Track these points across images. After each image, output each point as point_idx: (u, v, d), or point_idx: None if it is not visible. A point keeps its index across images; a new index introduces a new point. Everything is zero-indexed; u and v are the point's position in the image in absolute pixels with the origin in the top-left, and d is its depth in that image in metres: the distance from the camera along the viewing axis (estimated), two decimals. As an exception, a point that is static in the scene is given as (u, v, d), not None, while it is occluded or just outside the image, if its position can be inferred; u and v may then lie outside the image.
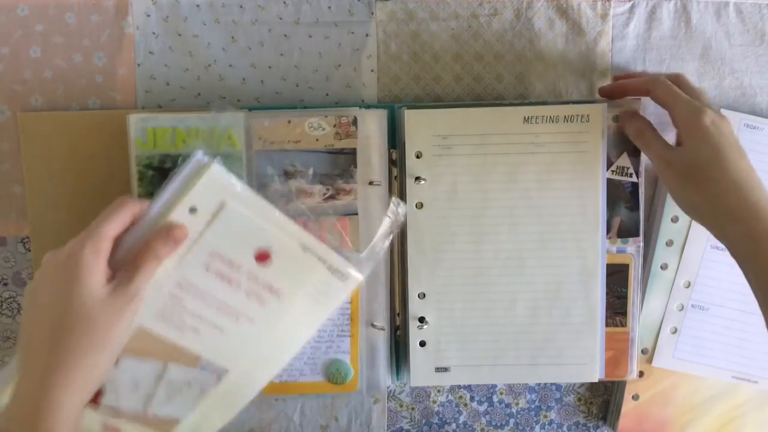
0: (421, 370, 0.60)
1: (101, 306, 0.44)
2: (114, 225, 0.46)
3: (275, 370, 0.56)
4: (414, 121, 0.58)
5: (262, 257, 0.53)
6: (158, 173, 0.57)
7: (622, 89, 0.59)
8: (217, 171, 0.51)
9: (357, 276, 0.55)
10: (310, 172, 0.58)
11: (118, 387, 0.52)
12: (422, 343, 0.60)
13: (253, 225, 0.52)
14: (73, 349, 0.43)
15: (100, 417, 0.53)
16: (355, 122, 0.57)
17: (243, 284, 0.53)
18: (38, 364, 0.43)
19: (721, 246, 0.60)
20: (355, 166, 0.58)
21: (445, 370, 0.60)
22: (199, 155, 0.50)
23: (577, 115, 0.58)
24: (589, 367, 0.60)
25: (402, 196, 0.59)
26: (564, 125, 0.58)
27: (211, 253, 0.52)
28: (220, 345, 0.54)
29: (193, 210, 0.51)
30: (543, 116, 0.58)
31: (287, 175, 0.58)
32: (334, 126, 0.58)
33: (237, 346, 0.54)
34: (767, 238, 0.48)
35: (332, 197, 0.58)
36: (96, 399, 0.52)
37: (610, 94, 0.59)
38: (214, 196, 0.51)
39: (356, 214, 0.58)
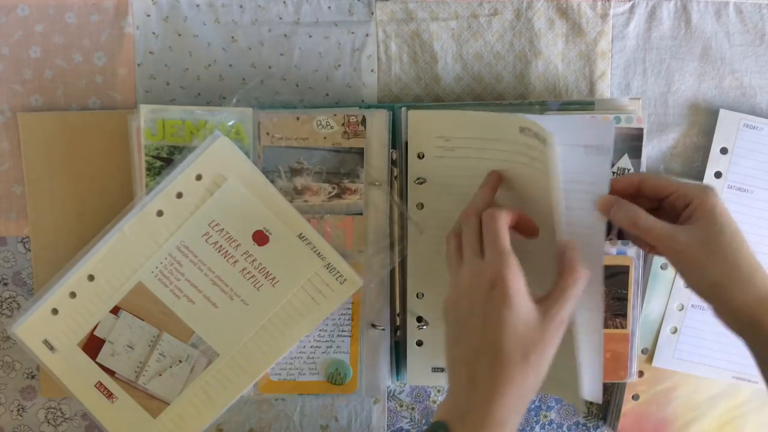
0: (417, 369, 0.60)
1: (537, 332, 0.45)
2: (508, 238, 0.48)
3: (265, 367, 0.57)
4: (417, 121, 0.58)
5: (261, 238, 0.55)
6: (166, 164, 0.57)
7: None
8: (224, 143, 0.55)
9: (356, 279, 0.56)
10: (317, 169, 0.58)
11: (115, 343, 0.55)
12: (419, 343, 0.60)
13: (255, 205, 0.54)
14: (513, 374, 0.44)
15: (95, 372, 0.55)
16: (363, 122, 0.58)
17: (239, 262, 0.55)
18: (481, 382, 0.45)
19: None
20: (362, 166, 0.58)
21: (442, 370, 0.60)
22: (217, 132, 0.55)
23: None
24: (575, 389, 0.54)
25: (402, 197, 0.59)
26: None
27: (211, 223, 0.55)
28: (213, 322, 0.56)
29: (199, 177, 0.55)
30: (536, 134, 0.55)
31: (293, 171, 0.58)
32: (342, 125, 0.58)
33: (229, 329, 0.56)
34: None
35: (337, 196, 0.58)
36: (93, 352, 0.54)
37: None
38: (219, 166, 0.55)
39: (360, 213, 0.59)
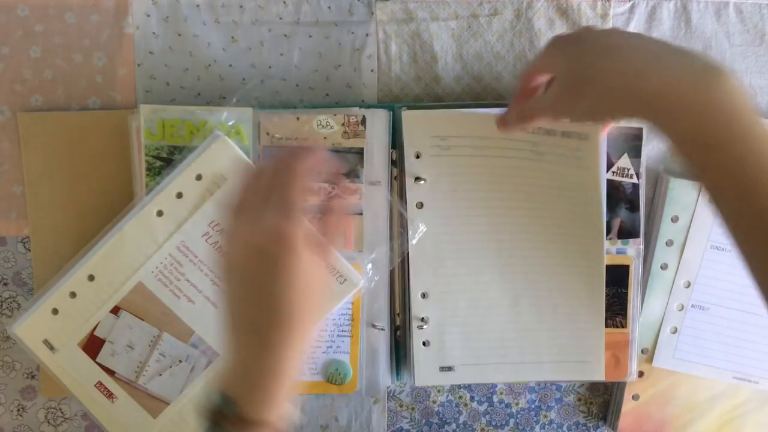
0: (425, 369, 0.60)
1: (320, 279, 0.44)
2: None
3: None
4: (412, 121, 0.58)
5: None
6: (166, 164, 0.57)
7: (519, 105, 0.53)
8: (224, 143, 0.55)
9: (356, 279, 0.56)
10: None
11: (115, 343, 0.55)
12: (426, 343, 0.60)
13: None
14: (298, 324, 0.43)
15: (95, 372, 0.55)
16: (363, 122, 0.58)
17: None
18: (270, 342, 0.42)
19: (722, 246, 0.61)
20: (362, 166, 0.58)
21: (450, 369, 0.60)
22: (217, 132, 0.55)
23: (575, 133, 0.58)
24: (594, 366, 0.60)
25: (402, 196, 0.59)
26: (561, 140, 0.58)
27: (211, 224, 0.55)
28: (213, 322, 0.56)
29: (199, 177, 0.55)
30: (539, 127, 0.57)
31: None
32: (343, 125, 0.58)
33: None
34: (660, 95, 0.41)
35: (337, 196, 0.58)
36: (93, 352, 0.55)
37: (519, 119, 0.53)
38: (219, 166, 0.55)
39: (360, 213, 0.58)
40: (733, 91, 0.38)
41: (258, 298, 0.42)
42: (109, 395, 0.56)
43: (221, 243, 0.47)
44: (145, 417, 0.57)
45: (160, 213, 0.55)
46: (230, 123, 0.57)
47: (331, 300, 0.57)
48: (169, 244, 0.55)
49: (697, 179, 0.41)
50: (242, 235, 0.43)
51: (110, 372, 0.56)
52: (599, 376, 0.60)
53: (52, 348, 0.55)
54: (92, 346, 0.56)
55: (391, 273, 0.60)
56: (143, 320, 0.56)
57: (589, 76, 0.44)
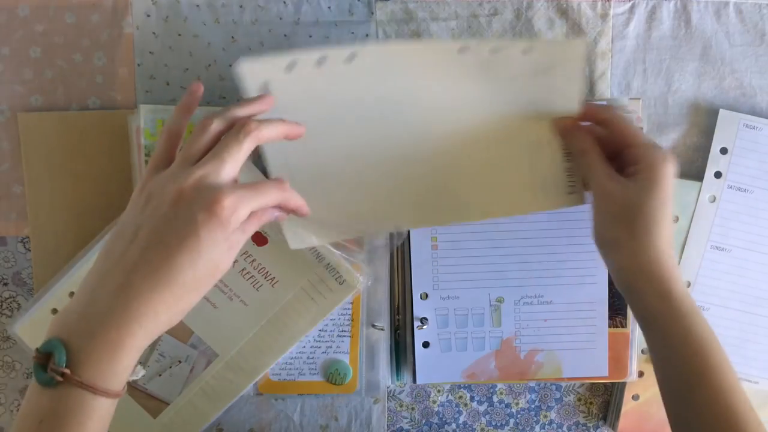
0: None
1: (225, 260, 0.43)
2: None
3: (265, 367, 0.57)
4: None
5: (260, 239, 0.55)
6: None
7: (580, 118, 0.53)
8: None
9: (356, 280, 0.56)
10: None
11: None
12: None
13: None
14: (177, 298, 0.41)
15: None
16: None
17: (239, 262, 0.55)
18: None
19: (722, 246, 0.61)
20: None
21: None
22: None
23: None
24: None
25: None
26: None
27: None
28: (212, 323, 0.56)
29: None
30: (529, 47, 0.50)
31: None
32: None
33: (228, 329, 0.56)
34: (677, 299, 0.48)
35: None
36: None
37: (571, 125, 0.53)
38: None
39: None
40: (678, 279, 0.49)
41: (152, 251, 0.41)
42: None
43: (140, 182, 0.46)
44: (145, 417, 0.57)
45: None
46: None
47: (330, 302, 0.57)
48: None
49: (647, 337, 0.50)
50: (168, 186, 0.42)
51: None
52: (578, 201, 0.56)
53: None
54: None
55: (391, 273, 0.60)
56: None
57: (646, 229, 0.48)
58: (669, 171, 0.49)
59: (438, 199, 0.54)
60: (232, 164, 0.43)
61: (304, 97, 0.48)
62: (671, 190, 0.49)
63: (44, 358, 0.39)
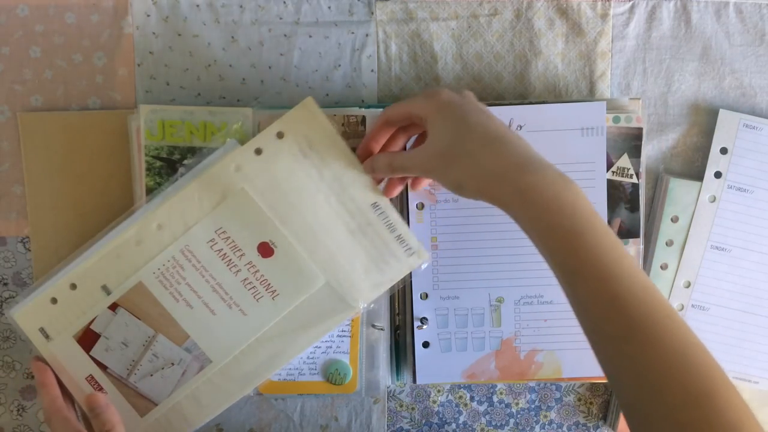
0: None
1: None
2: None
3: (256, 380, 0.57)
4: None
5: (266, 250, 0.55)
6: (166, 164, 0.57)
7: (372, 143, 0.55)
8: (236, 146, 0.55)
9: (355, 304, 0.55)
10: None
11: (110, 338, 0.55)
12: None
13: (263, 216, 0.54)
14: None
15: (87, 364, 0.56)
16: (363, 122, 0.58)
17: (242, 271, 0.55)
18: None
19: (722, 246, 0.61)
20: None
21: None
22: (231, 141, 0.56)
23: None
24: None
25: (402, 197, 0.59)
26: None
27: (218, 230, 0.55)
28: (209, 329, 0.56)
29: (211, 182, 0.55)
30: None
31: None
32: (342, 125, 0.58)
33: (224, 337, 0.55)
34: (531, 189, 0.45)
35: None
36: (87, 345, 0.54)
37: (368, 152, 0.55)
38: (232, 175, 0.55)
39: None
40: (580, 194, 0.46)
41: None
42: (99, 389, 0.56)
43: None
44: (132, 415, 0.56)
45: (159, 227, 0.55)
46: (230, 122, 0.57)
47: (329, 321, 0.57)
48: (173, 247, 0.55)
49: (548, 264, 0.47)
50: None
51: (102, 366, 0.56)
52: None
53: (47, 336, 0.55)
54: (87, 339, 0.56)
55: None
56: (140, 320, 0.56)
57: (472, 155, 0.48)
58: (439, 98, 0.50)
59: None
60: None
61: None
62: (453, 107, 0.49)
63: None
